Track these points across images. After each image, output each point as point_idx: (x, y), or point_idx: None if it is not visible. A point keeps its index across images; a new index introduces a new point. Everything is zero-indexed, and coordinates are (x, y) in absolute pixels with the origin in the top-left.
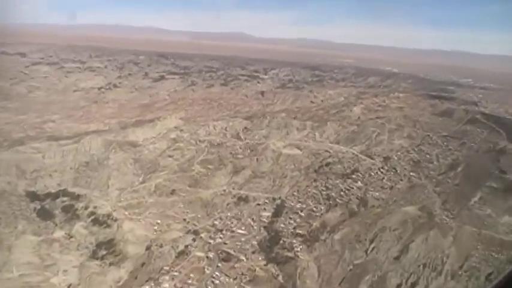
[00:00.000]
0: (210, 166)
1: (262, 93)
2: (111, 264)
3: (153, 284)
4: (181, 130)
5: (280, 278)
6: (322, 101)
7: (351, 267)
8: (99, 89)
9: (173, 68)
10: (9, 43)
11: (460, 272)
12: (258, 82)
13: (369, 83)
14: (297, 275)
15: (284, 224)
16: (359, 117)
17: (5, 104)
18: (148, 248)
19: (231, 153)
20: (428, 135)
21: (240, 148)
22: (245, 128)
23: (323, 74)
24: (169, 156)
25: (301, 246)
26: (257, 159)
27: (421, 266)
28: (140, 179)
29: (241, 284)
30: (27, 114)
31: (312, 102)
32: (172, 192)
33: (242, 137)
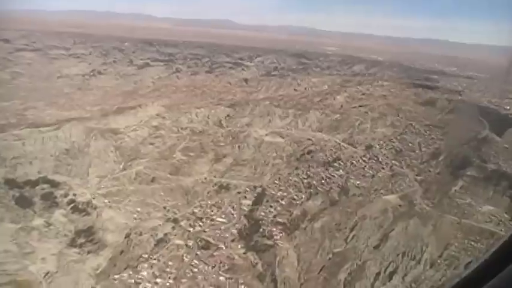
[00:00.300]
0: (191, 154)
1: (246, 80)
2: (89, 252)
3: (131, 272)
4: (163, 117)
5: (259, 266)
6: (305, 88)
7: (331, 255)
8: (83, 75)
9: (158, 55)
10: None
11: (439, 261)
12: (243, 69)
13: (354, 71)
14: (276, 263)
15: (264, 212)
16: (342, 106)
17: None
18: (127, 236)
19: (212, 141)
20: (411, 124)
21: (222, 136)
22: (228, 115)
23: (308, 62)
24: (151, 143)
25: (281, 234)
26: (239, 146)
27: (400, 255)
28: (121, 166)
29: (220, 272)
30: (10, 101)
31: (295, 90)
32: (153, 179)
33: (224, 125)
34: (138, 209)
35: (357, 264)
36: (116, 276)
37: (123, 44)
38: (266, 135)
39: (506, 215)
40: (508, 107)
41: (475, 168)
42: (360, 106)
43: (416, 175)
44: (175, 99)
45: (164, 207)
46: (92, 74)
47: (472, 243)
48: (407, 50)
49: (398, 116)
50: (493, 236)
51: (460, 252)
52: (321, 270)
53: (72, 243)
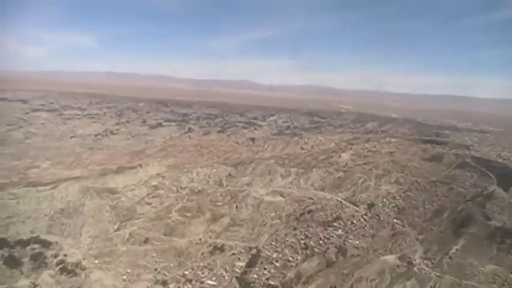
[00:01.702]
0: (188, 214)
1: (253, 139)
2: None
3: None
4: (164, 177)
5: None
6: (312, 147)
7: None
8: (96, 135)
9: (171, 115)
10: (11, 89)
11: None
12: (255, 129)
13: (367, 129)
14: None
15: (257, 274)
16: (347, 164)
17: (1, 149)
18: None
19: (211, 200)
20: (417, 181)
21: (221, 195)
22: (229, 174)
23: (321, 120)
24: (148, 203)
25: None
26: (237, 206)
27: None
28: (115, 226)
29: None
30: (21, 160)
31: (301, 148)
32: (146, 240)
33: (224, 184)
34: (128, 271)
35: None
36: None
37: (137, 104)
38: (267, 194)
39: (511, 275)
40: None
41: (478, 225)
42: (365, 164)
43: (418, 234)
44: (181, 159)
45: (155, 269)
46: (104, 133)
47: None
48: (423, 107)
49: (403, 172)
50: None
51: None
52: None
53: None
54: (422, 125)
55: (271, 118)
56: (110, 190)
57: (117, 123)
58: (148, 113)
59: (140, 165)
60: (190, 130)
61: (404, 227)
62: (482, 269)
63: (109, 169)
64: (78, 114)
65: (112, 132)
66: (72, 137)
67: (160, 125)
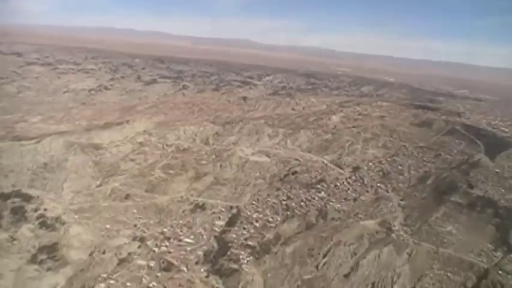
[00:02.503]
0: (171, 171)
1: (245, 98)
2: (48, 269)
3: None
4: (150, 134)
5: None
6: (303, 108)
7: (299, 282)
8: (89, 90)
9: (167, 72)
10: (7, 43)
11: None
12: (250, 88)
13: (363, 92)
14: None
15: (236, 234)
16: (336, 126)
17: None
18: (91, 254)
19: (195, 158)
20: (404, 146)
21: (206, 154)
22: (216, 133)
23: (318, 82)
24: (132, 160)
25: (248, 259)
26: (221, 165)
27: (370, 285)
28: (98, 182)
29: None
30: (12, 114)
31: (293, 109)
32: (127, 196)
33: (211, 143)
34: (108, 226)
35: None
36: None
37: (133, 60)
38: (252, 154)
39: (490, 245)
40: (507, 130)
41: (460, 193)
42: (354, 127)
43: (401, 199)
44: (171, 116)
45: (135, 225)
46: (98, 89)
47: (449, 274)
48: (422, 72)
49: (391, 137)
50: (473, 267)
51: (435, 284)
52: None
53: (33, 260)
54: (417, 91)
55: (267, 78)
56: (94, 146)
57: (112, 79)
58: (143, 69)
59: (127, 122)
60: (184, 87)
61: (387, 192)
62: (460, 237)
63: (95, 125)
64: (73, 69)
65: (106, 88)
66: (65, 92)
67: (155, 81)
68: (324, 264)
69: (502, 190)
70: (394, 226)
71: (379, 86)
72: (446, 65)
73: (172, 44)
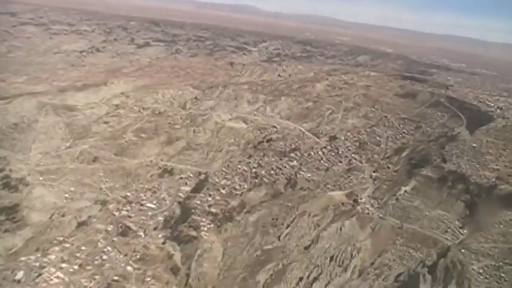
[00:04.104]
0: (143, 135)
1: (232, 64)
2: (6, 230)
3: (39, 255)
4: (128, 96)
5: (176, 258)
6: (289, 75)
7: (259, 252)
8: (81, 52)
9: (162, 35)
10: (2, 2)
11: (369, 270)
12: (244, 54)
13: (358, 61)
14: (196, 257)
15: (201, 200)
16: (319, 94)
17: None
18: (51, 217)
19: (169, 123)
20: (386, 117)
21: (181, 118)
22: (195, 97)
23: (313, 50)
24: (105, 122)
25: (209, 226)
26: (194, 130)
27: (329, 259)
28: (67, 144)
29: (130, 261)
30: (1, 74)
31: (279, 76)
32: (95, 159)
33: (187, 107)
34: (72, 189)
35: (283, 264)
36: (22, 259)
37: (129, 22)
38: (229, 120)
39: (457, 222)
40: (493, 104)
41: (432, 167)
42: (336, 95)
43: (374, 171)
44: (156, 79)
45: (100, 189)
46: (89, 51)
47: (411, 251)
48: (422, 45)
49: (373, 107)
50: (436, 244)
51: (395, 260)
52: (242, 268)
53: None
54: (414, 62)
55: (263, 44)
56: (68, 107)
57: (104, 41)
58: (138, 32)
59: (105, 84)
60: (177, 51)
61: (361, 162)
62: (427, 213)
63: (73, 86)
64: (66, 30)
65: (98, 50)
66: (56, 53)
67: (147, 44)
68: (286, 235)
69: (477, 166)
70: (361, 199)
71: (375, 56)
72: (452, 38)
73: (175, 8)
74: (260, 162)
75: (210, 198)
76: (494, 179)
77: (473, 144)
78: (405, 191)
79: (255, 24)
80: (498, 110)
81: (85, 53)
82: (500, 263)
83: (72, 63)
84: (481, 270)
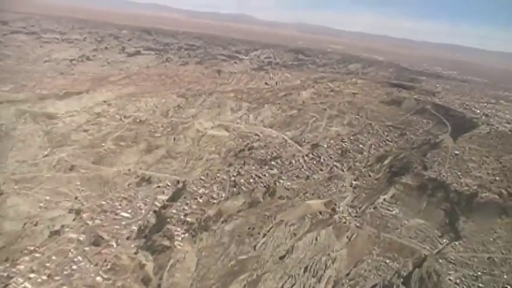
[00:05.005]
0: (122, 143)
1: (219, 72)
2: None
3: (8, 265)
4: (110, 104)
5: (148, 268)
6: (276, 83)
7: (233, 262)
8: (71, 61)
9: (153, 44)
10: None
11: (343, 280)
12: (235, 62)
13: (349, 70)
14: (168, 267)
15: (177, 209)
16: (304, 102)
17: None
18: (24, 226)
19: (150, 131)
20: (370, 124)
21: (162, 126)
22: (178, 105)
23: (305, 58)
24: (85, 130)
25: (184, 235)
26: (174, 138)
27: (303, 269)
28: (45, 152)
29: (100, 271)
30: None
31: (266, 83)
32: (72, 168)
33: (170, 115)
34: (47, 198)
35: (257, 275)
36: None
37: (120, 31)
38: (212, 128)
39: (436, 231)
40: (479, 111)
41: (412, 175)
42: (321, 103)
43: (355, 179)
44: (142, 88)
45: (76, 197)
46: (80, 59)
47: (387, 261)
48: (415, 53)
49: (358, 115)
50: (414, 254)
51: (371, 271)
52: (216, 278)
53: None
54: (405, 70)
55: (255, 53)
56: (48, 115)
57: (95, 49)
58: (129, 40)
59: (87, 91)
60: (168, 60)
61: (342, 170)
62: (406, 222)
63: (54, 94)
64: (57, 39)
65: (88, 58)
66: (46, 61)
67: (138, 53)
68: (261, 245)
69: (458, 173)
70: (339, 207)
71: (367, 64)
72: (447, 47)
73: (167, 17)
74: (240, 170)
75: (186, 207)
76: (475, 187)
77: (456, 152)
78: (384, 200)
79: (247, 33)
80: (483, 117)
81: (75, 62)
82: (479, 273)
83: (61, 71)
84: (457, 281)
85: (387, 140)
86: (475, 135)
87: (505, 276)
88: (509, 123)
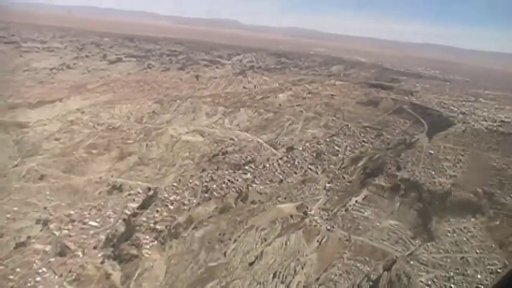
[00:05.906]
0: (94, 151)
1: (197, 77)
2: None
3: None
4: (83, 112)
5: (114, 278)
6: (255, 86)
7: (202, 270)
8: (51, 69)
9: (135, 50)
10: None
11: (313, 286)
12: (217, 67)
13: (331, 72)
14: (135, 276)
15: (147, 217)
16: (280, 105)
17: None
18: None
19: (122, 138)
20: (347, 125)
21: (135, 133)
22: (153, 111)
23: (288, 62)
24: (56, 139)
25: (152, 243)
26: (147, 145)
27: (272, 275)
28: (15, 162)
29: (64, 282)
30: None
31: (244, 87)
32: (42, 177)
33: (143, 121)
34: (15, 209)
35: (226, 282)
36: None
37: (102, 39)
38: (186, 133)
39: (409, 232)
40: (456, 109)
41: (385, 176)
42: (297, 105)
43: (328, 182)
44: (120, 94)
45: (45, 208)
46: (60, 68)
47: (358, 264)
48: (399, 54)
49: (335, 116)
50: (385, 257)
51: (341, 275)
52: (185, 287)
53: None
54: (387, 71)
55: (237, 57)
56: (18, 124)
57: (76, 58)
58: (111, 48)
59: (60, 100)
60: (149, 66)
61: (317, 173)
62: (378, 224)
63: (27, 103)
64: (38, 47)
65: (68, 67)
66: (25, 71)
67: (120, 60)
68: (232, 251)
69: (432, 172)
70: (311, 211)
71: (349, 66)
72: (431, 47)
73: (154, 24)
74: (213, 175)
75: (157, 215)
76: (449, 186)
77: (431, 151)
78: (356, 201)
79: (231, 38)
80: (460, 115)
81: (55, 70)
82: (451, 273)
83: (40, 80)
84: (429, 282)
85: (363, 141)
86: (451, 133)
87: (479, 276)
88: (485, 121)
